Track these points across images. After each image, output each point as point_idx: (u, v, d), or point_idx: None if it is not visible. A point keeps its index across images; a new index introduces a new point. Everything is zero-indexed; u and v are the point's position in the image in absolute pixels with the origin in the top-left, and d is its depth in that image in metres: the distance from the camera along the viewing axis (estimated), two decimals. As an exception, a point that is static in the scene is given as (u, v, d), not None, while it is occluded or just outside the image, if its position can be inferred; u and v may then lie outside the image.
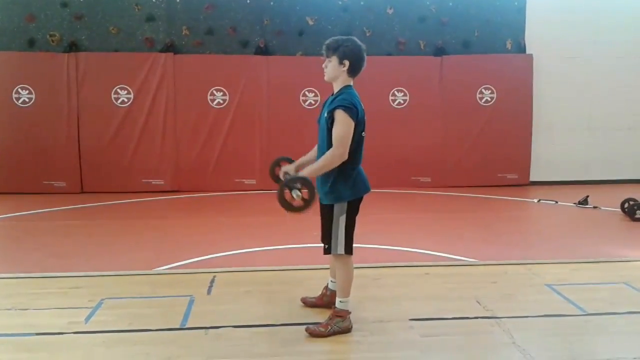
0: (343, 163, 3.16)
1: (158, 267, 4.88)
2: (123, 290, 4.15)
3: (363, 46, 3.26)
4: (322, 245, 3.40)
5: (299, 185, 3.01)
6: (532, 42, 9.78)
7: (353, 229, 3.32)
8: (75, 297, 3.97)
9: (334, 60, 3.22)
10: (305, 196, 3.03)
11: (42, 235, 6.24)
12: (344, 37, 3.27)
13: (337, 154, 3.10)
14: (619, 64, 9.96)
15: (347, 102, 3.12)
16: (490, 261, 4.99)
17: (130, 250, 5.55)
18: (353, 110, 3.11)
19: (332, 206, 3.28)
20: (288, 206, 3.05)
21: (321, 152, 3.27)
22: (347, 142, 3.11)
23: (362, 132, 3.24)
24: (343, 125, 3.10)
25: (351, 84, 3.29)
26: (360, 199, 3.35)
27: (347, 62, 3.21)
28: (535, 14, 9.77)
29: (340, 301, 3.37)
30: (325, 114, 3.20)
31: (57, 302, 3.88)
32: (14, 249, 5.72)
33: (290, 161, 3.57)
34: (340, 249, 3.28)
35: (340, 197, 3.25)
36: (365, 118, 3.27)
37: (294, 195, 3.01)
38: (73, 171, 9.06)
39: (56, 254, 5.38)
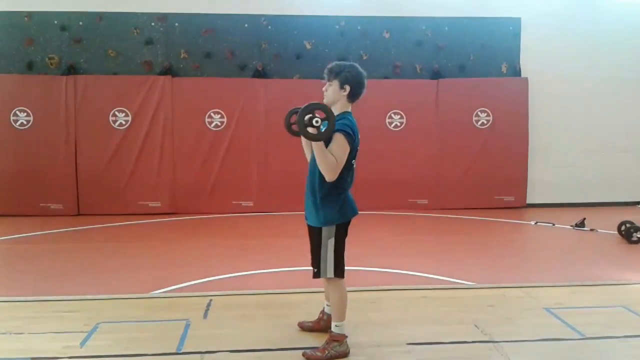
0: (332, 187, 3.18)
1: (154, 290, 4.85)
2: (119, 314, 4.12)
3: (364, 73, 3.31)
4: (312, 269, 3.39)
5: (313, 111, 3.04)
6: (527, 65, 9.88)
7: (343, 252, 3.32)
8: (71, 321, 3.94)
9: (335, 84, 3.26)
10: (324, 116, 3.04)
11: (37, 258, 6.20)
12: (347, 63, 3.31)
13: (332, 173, 3.12)
14: (613, 86, 10.06)
15: (348, 129, 3.15)
16: (488, 284, 4.98)
17: (126, 274, 5.52)
18: (352, 137, 3.14)
19: (320, 229, 3.28)
20: (307, 132, 3.04)
21: (312, 174, 3.29)
22: (340, 166, 3.13)
23: (352, 159, 3.26)
24: (340, 149, 3.12)
25: (350, 109, 3.32)
26: (348, 222, 3.35)
27: (347, 88, 3.25)
28: (530, 38, 9.89)
29: (335, 325, 3.35)
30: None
31: (53, 326, 3.84)
32: (10, 272, 5.68)
33: None
34: (330, 273, 3.27)
35: (328, 221, 3.25)
36: (359, 147, 3.30)
37: (314, 122, 3.02)
38: (70, 193, 9.05)
39: (52, 277, 5.35)
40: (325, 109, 3.05)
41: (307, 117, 3.03)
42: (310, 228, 3.39)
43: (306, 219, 3.39)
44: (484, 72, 9.84)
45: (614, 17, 10.00)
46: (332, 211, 3.24)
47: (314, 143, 3.09)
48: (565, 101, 10.00)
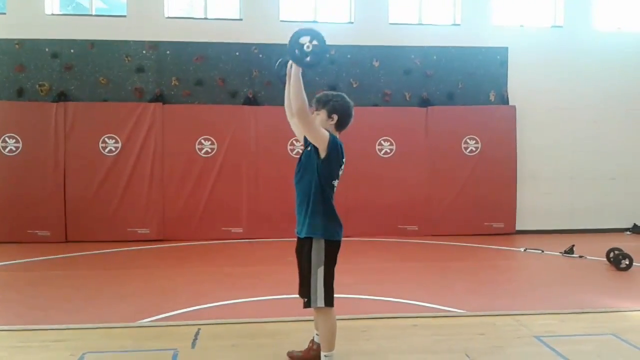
0: (323, 202, 3.22)
1: (142, 319, 4.79)
2: (106, 344, 4.05)
3: (351, 103, 3.36)
4: (302, 299, 3.36)
5: (310, 37, 3.00)
6: (515, 93, 10.03)
7: (332, 280, 3.30)
8: (57, 351, 3.87)
9: (323, 113, 3.30)
10: (316, 46, 3.00)
11: (24, 286, 6.12)
12: (335, 93, 3.36)
13: (300, 103, 3.06)
14: (600, 114, 10.22)
15: (335, 139, 3.22)
16: (479, 312, 4.96)
17: (114, 302, 5.45)
18: (334, 149, 3.19)
19: (310, 246, 3.25)
20: (300, 60, 3.00)
21: (299, 189, 3.31)
22: (311, 118, 3.15)
23: (335, 180, 3.28)
24: (320, 129, 3.17)
25: (337, 137, 3.35)
26: (337, 246, 3.33)
27: (335, 117, 3.29)
28: (517, 67, 10.05)
29: (325, 355, 3.32)
30: (309, 147, 3.25)
31: (39, 356, 3.77)
32: (-5, 301, 5.60)
33: None
34: (320, 302, 3.25)
35: (319, 232, 3.24)
36: (342, 170, 3.33)
37: (305, 48, 2.99)
38: (58, 220, 8.98)
39: (38, 306, 5.27)
40: (319, 37, 3.03)
41: (301, 40, 3.00)
42: (300, 247, 3.36)
43: (297, 233, 3.38)
44: (472, 100, 9.97)
45: (599, 46, 10.21)
46: (321, 222, 3.24)
47: (294, 71, 3.06)
48: (552, 128, 10.14)
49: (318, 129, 3.15)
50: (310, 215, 3.24)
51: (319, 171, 3.20)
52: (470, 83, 10.01)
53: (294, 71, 3.07)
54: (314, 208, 3.23)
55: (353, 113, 3.36)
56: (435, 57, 9.95)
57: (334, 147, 3.18)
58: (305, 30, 3.02)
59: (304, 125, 3.11)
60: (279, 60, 3.47)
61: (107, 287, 6.05)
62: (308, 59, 3.01)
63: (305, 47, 3.00)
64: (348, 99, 3.36)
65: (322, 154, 3.18)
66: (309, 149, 3.27)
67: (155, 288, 6.05)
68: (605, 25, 10.36)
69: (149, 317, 4.86)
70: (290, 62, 3.12)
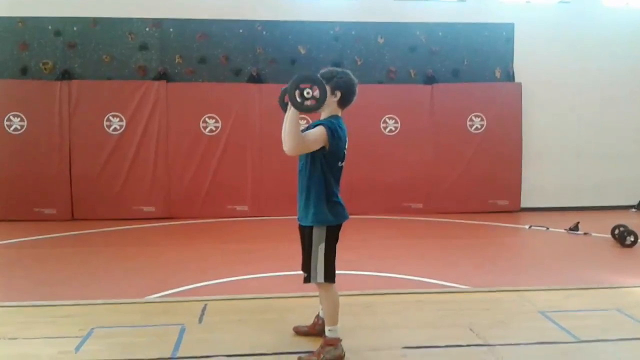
0: (324, 191, 3.21)
1: (149, 295, 4.84)
2: (114, 319, 4.11)
3: (356, 80, 3.34)
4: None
5: (311, 84, 2.98)
6: (521, 70, 9.95)
7: (333, 258, 3.32)
8: (66, 326, 3.92)
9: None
10: (316, 94, 2.98)
11: (31, 263, 6.18)
12: (339, 69, 3.33)
13: (299, 141, 3.05)
14: (607, 91, 10.14)
15: (333, 127, 3.17)
16: (483, 288, 4.98)
17: (121, 278, 5.50)
18: (334, 138, 3.15)
19: (311, 231, 3.28)
20: (300, 105, 2.99)
21: (301, 177, 3.31)
22: (312, 142, 3.11)
23: (340, 162, 3.28)
24: (315, 135, 3.12)
25: (340, 114, 3.34)
26: (339, 227, 3.36)
27: (339, 93, 3.27)
28: (523, 44, 9.96)
29: (329, 330, 3.35)
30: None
31: (47, 332, 3.82)
32: (3, 278, 5.65)
33: None
34: (320, 278, 3.27)
35: (320, 220, 3.26)
36: (346, 151, 3.32)
37: (305, 94, 2.97)
38: (64, 198, 9.03)
39: (46, 282, 5.33)
40: (320, 84, 3.00)
41: (302, 85, 2.97)
42: (301, 231, 3.40)
43: (299, 220, 3.40)
44: (478, 77, 9.90)
45: (607, 22, 10.09)
46: (324, 211, 3.25)
47: (292, 114, 3.05)
48: (558, 106, 10.08)
49: (315, 141, 3.11)
50: (313, 205, 3.25)
51: (321, 162, 3.20)
52: (475, 60, 9.93)
53: (292, 114, 3.04)
54: (316, 198, 3.24)
55: (357, 90, 3.34)
56: (440, 34, 9.86)
57: (334, 138, 3.15)
58: (306, 76, 3.00)
59: (302, 152, 3.15)
60: (283, 89, 3.46)
61: (114, 264, 6.11)
62: (307, 103, 2.99)
63: (305, 92, 2.97)
64: (352, 76, 3.34)
65: (325, 148, 3.18)
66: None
67: (161, 265, 6.10)
68: (613, 0, 10.21)
69: (157, 293, 4.91)
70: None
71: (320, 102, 2.99)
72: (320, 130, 3.14)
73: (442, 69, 9.91)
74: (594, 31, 10.08)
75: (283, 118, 3.17)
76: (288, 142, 3.06)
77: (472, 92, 9.78)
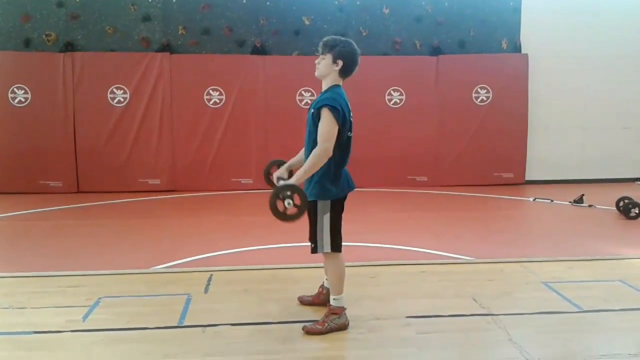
0: (329, 162, 3.19)
1: (155, 266, 4.89)
2: (120, 289, 4.16)
3: (358, 50, 3.31)
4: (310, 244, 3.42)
5: (289, 194, 3.00)
6: (528, 41, 9.83)
7: (339, 227, 3.34)
8: (73, 296, 3.97)
9: (328, 58, 3.25)
10: (298, 202, 3.02)
11: (38, 234, 6.23)
12: (342, 38, 3.30)
13: (322, 149, 3.12)
14: (613, 63, 10.01)
15: (334, 102, 3.15)
16: (487, 259, 5.01)
17: (127, 250, 5.55)
18: (339, 112, 3.14)
19: (315, 204, 3.30)
20: (282, 216, 3.04)
21: (307, 148, 3.30)
22: (331, 139, 3.14)
23: (348, 132, 3.28)
24: (328, 123, 3.13)
25: (340, 84, 3.31)
26: (344, 198, 3.37)
27: (340, 62, 3.24)
28: (530, 14, 9.81)
29: (334, 299, 3.39)
30: (312, 111, 3.23)
31: (55, 301, 3.88)
32: (11, 249, 5.71)
33: (282, 163, 3.58)
34: (327, 248, 3.30)
35: (324, 194, 3.27)
36: (352, 119, 3.31)
37: (286, 204, 3.00)
38: (69, 171, 9.05)
39: (53, 254, 5.38)
40: (303, 196, 3.04)
41: (279, 205, 3.01)
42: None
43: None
44: (484, 48, 9.79)
45: (616, -8, 9.92)
46: (328, 185, 3.25)
47: (300, 172, 3.14)
48: (565, 78, 9.97)
49: (332, 134, 3.14)
50: (316, 179, 3.25)
51: None
52: (482, 30, 9.80)
53: (302, 169, 3.15)
54: (320, 174, 3.23)
55: (359, 61, 3.31)
56: (446, 4, 9.72)
57: (339, 114, 3.14)
58: (285, 186, 3.03)
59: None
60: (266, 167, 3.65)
61: (120, 236, 6.15)
62: (289, 212, 3.03)
63: (286, 202, 3.00)
64: (355, 45, 3.30)
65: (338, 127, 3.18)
66: (312, 111, 3.24)
67: (167, 236, 6.14)
68: (623, -30, 10.04)
69: (162, 264, 4.95)
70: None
71: (301, 210, 3.02)
72: (327, 116, 3.13)
73: (447, 40, 9.79)
74: (601, 1, 9.91)
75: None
76: (323, 160, 3.14)
77: (478, 63, 9.68)
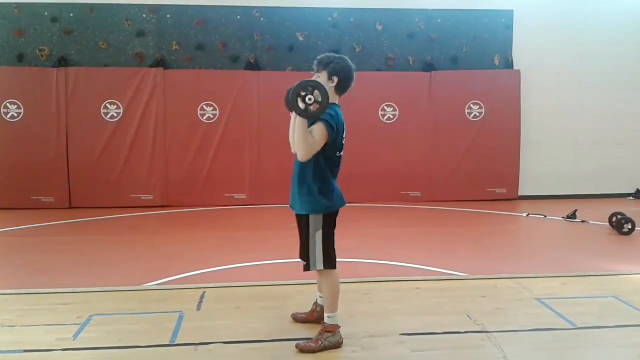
0: (318, 175, 3.19)
1: (147, 282, 4.85)
2: (112, 307, 4.11)
3: (353, 67, 3.31)
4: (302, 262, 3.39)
5: (310, 89, 2.98)
6: (520, 57, 9.90)
7: (332, 243, 3.32)
8: (63, 314, 3.92)
9: (323, 75, 3.26)
10: (318, 98, 2.98)
11: (29, 251, 6.17)
12: (337, 55, 3.31)
13: (307, 150, 3.09)
14: (605, 79, 10.11)
15: (331, 119, 3.14)
16: (480, 275, 5.00)
17: (119, 266, 5.51)
18: (333, 130, 3.13)
19: (307, 219, 3.28)
20: (304, 112, 3.00)
21: (297, 163, 3.29)
22: (316, 147, 3.12)
23: (338, 152, 3.27)
24: (317, 134, 3.11)
25: (337, 102, 3.32)
26: (336, 213, 3.35)
27: (335, 79, 3.25)
28: (522, 31, 9.90)
29: (328, 316, 3.36)
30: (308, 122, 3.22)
31: (45, 319, 3.83)
32: (1, 265, 5.65)
33: None
34: (319, 265, 3.28)
35: (316, 208, 3.25)
36: (344, 140, 3.31)
37: (307, 100, 2.98)
38: (61, 186, 9.00)
39: (44, 270, 5.32)
40: (323, 91, 3.00)
41: (302, 92, 2.98)
42: (298, 218, 3.39)
43: (292, 207, 3.39)
44: (477, 64, 9.86)
45: (607, 10, 10.03)
46: (319, 199, 3.24)
47: (298, 118, 3.06)
48: (557, 93, 10.04)
49: (320, 142, 3.11)
50: (306, 193, 3.24)
51: (318, 152, 3.17)
52: (474, 47, 9.88)
53: (299, 122, 3.05)
54: (309, 186, 3.23)
55: (354, 77, 3.31)
56: (439, 20, 9.80)
57: (333, 131, 3.13)
58: (305, 82, 3.00)
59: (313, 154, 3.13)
60: (288, 89, 3.42)
61: (112, 252, 6.10)
62: (311, 108, 2.99)
63: (307, 98, 2.97)
64: (350, 62, 3.31)
65: (327, 143, 3.16)
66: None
67: (160, 252, 6.10)
68: (613, -14, 10.17)
69: (154, 280, 4.91)
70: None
71: (323, 104, 2.99)
72: (321, 128, 3.11)
73: (440, 56, 9.86)
74: (593, 18, 10.02)
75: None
76: (301, 149, 3.08)
77: (470, 79, 9.74)
